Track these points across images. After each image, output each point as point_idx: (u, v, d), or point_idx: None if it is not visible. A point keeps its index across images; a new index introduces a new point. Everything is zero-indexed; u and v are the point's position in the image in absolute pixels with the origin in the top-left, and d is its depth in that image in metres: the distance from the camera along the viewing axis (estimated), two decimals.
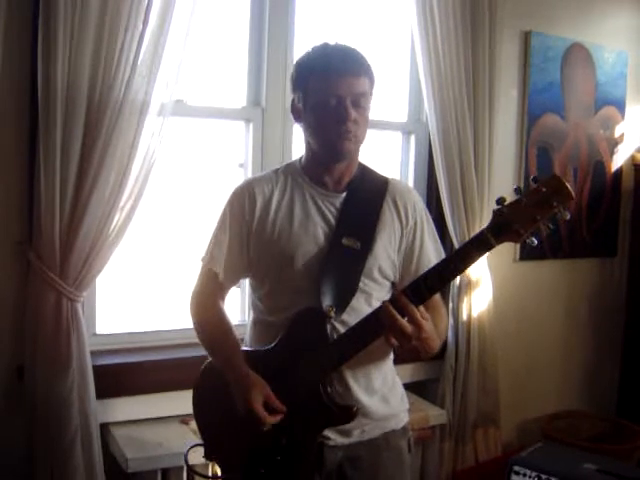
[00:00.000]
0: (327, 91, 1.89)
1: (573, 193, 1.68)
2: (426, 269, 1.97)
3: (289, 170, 2.08)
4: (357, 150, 2.00)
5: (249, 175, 3.02)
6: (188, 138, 2.98)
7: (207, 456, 2.08)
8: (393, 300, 1.78)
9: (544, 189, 1.67)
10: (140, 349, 2.89)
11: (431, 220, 2.14)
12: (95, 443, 2.53)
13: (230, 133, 3.10)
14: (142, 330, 2.96)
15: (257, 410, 1.83)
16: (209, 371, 2.07)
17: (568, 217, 1.69)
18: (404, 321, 1.74)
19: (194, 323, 2.12)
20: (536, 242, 1.72)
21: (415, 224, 2.05)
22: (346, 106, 1.88)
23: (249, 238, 2.02)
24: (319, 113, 1.91)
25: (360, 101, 1.91)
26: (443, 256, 2.09)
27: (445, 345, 3.39)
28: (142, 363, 2.79)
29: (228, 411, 1.97)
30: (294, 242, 1.96)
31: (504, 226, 1.71)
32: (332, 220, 1.98)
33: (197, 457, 2.13)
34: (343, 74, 1.89)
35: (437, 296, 1.95)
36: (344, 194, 2.01)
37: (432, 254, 2.07)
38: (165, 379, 2.74)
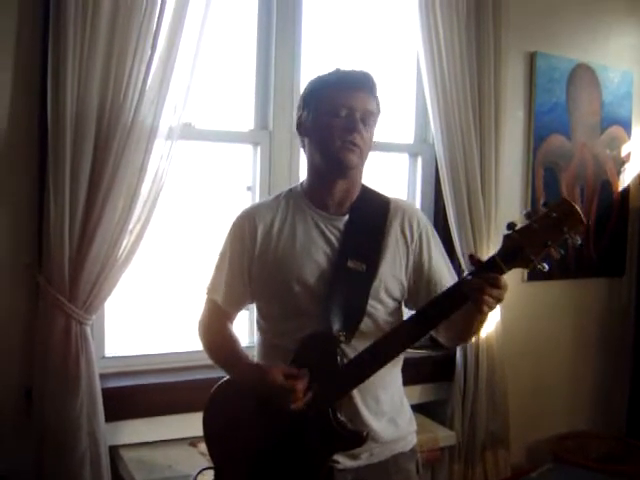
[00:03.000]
0: (339, 101, 1.92)
1: (584, 218, 1.68)
2: (438, 282, 2.00)
3: (291, 195, 2.09)
4: (360, 167, 2.00)
5: (257, 198, 3.04)
6: (196, 161, 3.00)
7: (217, 479, 2.07)
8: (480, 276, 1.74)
9: (554, 214, 1.67)
10: (149, 371, 2.89)
11: (437, 234, 2.14)
12: (104, 466, 2.53)
13: (238, 156, 3.12)
14: (151, 353, 2.97)
15: (280, 382, 1.82)
16: (219, 394, 2.07)
17: (579, 242, 1.68)
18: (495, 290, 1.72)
19: (204, 348, 2.15)
20: (547, 268, 1.71)
21: (420, 238, 2.05)
22: (356, 118, 1.91)
23: (251, 266, 2.03)
24: (328, 123, 1.92)
25: (368, 119, 1.94)
26: (451, 268, 2.11)
27: (454, 366, 3.39)
28: (151, 385, 2.79)
29: (238, 435, 1.97)
30: (298, 266, 1.96)
31: (515, 252, 1.71)
32: (336, 243, 1.99)
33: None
34: (356, 88, 1.94)
35: None
36: (347, 216, 2.02)
37: (443, 267, 2.08)
38: (174, 401, 2.74)
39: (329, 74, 2.01)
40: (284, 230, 2.02)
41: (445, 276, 2.05)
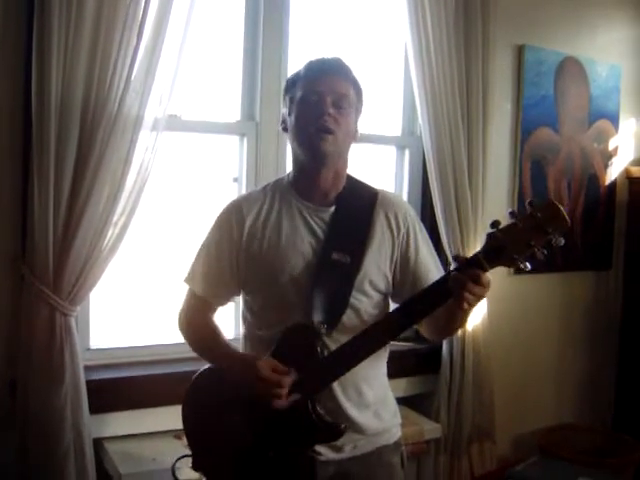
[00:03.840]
0: (309, 88, 1.94)
1: (569, 220, 1.66)
2: (424, 276, 2.00)
3: (277, 186, 2.09)
4: (340, 153, 1.98)
5: (243, 189, 3.03)
6: (182, 153, 2.98)
7: (195, 467, 2.06)
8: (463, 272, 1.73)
9: (539, 214, 1.65)
10: (134, 364, 2.88)
11: (424, 228, 2.13)
12: (88, 458, 2.52)
13: (224, 147, 3.11)
14: (136, 345, 2.95)
15: (270, 376, 1.81)
16: (197, 384, 2.07)
17: (562, 243, 1.66)
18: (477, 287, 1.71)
19: (185, 338, 2.15)
20: (529, 267, 1.70)
21: (407, 232, 2.04)
22: (325, 101, 1.91)
23: (238, 257, 2.02)
24: (300, 110, 1.95)
25: (342, 102, 1.94)
26: (438, 262, 2.11)
27: (439, 358, 3.39)
28: (136, 378, 2.78)
29: (216, 423, 1.97)
30: (282, 257, 1.96)
31: (498, 250, 1.69)
32: (321, 235, 1.98)
33: (189, 471, 2.12)
34: (326, 73, 1.95)
35: None
36: (333, 207, 2.01)
37: (430, 261, 2.07)
38: (159, 394, 2.72)
39: (304, 65, 2.02)
40: (270, 221, 2.01)
41: (432, 271, 2.04)
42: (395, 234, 2.03)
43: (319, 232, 1.98)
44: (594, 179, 4.04)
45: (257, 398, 1.86)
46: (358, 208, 2.02)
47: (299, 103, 1.95)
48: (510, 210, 1.71)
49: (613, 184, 4.13)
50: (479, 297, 1.73)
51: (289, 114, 2.00)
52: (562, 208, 1.66)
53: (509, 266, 1.73)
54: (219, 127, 3.07)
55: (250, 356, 1.95)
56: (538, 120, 3.75)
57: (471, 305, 1.74)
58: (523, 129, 3.70)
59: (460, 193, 3.28)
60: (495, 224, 1.70)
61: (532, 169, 3.75)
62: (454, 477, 3.41)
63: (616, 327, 4.21)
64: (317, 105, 1.91)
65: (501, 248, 1.69)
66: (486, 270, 1.71)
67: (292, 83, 2.02)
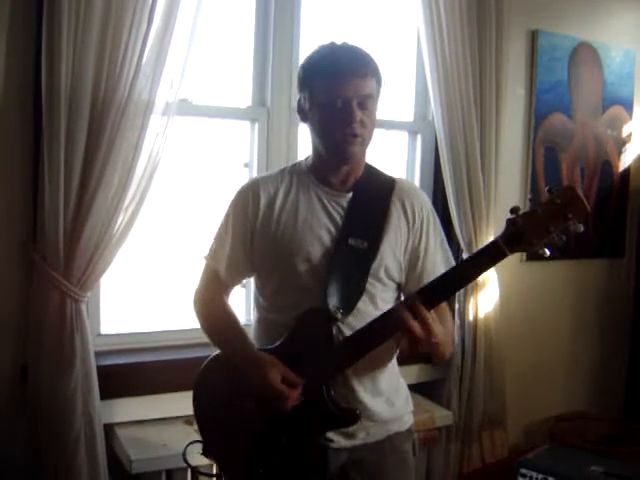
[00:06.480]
0: (333, 92, 1.86)
1: (588, 207, 1.68)
2: (430, 272, 1.98)
3: (295, 170, 2.07)
4: (363, 152, 1.98)
5: (254, 175, 3.01)
6: (193, 138, 2.97)
7: (205, 453, 2.06)
8: (407, 302, 1.77)
9: (559, 200, 1.67)
10: (145, 349, 2.88)
11: (438, 222, 2.11)
12: (99, 444, 2.52)
13: (235, 133, 3.09)
14: (147, 330, 2.95)
15: (278, 386, 1.83)
16: (210, 368, 2.06)
17: (581, 230, 1.68)
18: (416, 323, 1.73)
19: (198, 319, 2.13)
20: (548, 253, 1.72)
21: (422, 225, 2.03)
22: (352, 108, 1.85)
23: (253, 237, 2.01)
24: (325, 114, 1.89)
25: (367, 103, 1.88)
26: (450, 258, 2.09)
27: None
28: (146, 363, 2.78)
29: (228, 409, 1.97)
30: (299, 240, 1.94)
31: (518, 236, 1.71)
32: (338, 220, 1.97)
33: (200, 457, 2.12)
34: (350, 75, 1.86)
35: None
36: (350, 194, 1.99)
37: (438, 257, 2.05)
38: (169, 379, 2.72)
39: (322, 54, 1.94)
40: (287, 204, 2.00)
41: (439, 269, 2.00)
42: (410, 223, 2.02)
43: (337, 217, 1.97)
44: (607, 166, 4.01)
45: (266, 401, 1.88)
46: (375, 195, 2.02)
47: (323, 106, 1.88)
48: (530, 196, 1.72)
49: (627, 171, 4.10)
50: (417, 340, 1.75)
51: (310, 108, 1.93)
52: (581, 194, 1.67)
53: (529, 251, 1.74)
54: (230, 112, 3.05)
55: (263, 359, 1.90)
56: (551, 106, 3.73)
57: (411, 348, 1.77)
58: (536, 115, 3.67)
59: (472, 179, 3.26)
60: (515, 210, 1.72)
61: (545, 155, 3.72)
62: (465, 464, 3.41)
63: (628, 315, 4.20)
64: (343, 111, 1.85)
65: (521, 234, 1.71)
66: (506, 255, 1.73)
67: (312, 72, 1.92)
